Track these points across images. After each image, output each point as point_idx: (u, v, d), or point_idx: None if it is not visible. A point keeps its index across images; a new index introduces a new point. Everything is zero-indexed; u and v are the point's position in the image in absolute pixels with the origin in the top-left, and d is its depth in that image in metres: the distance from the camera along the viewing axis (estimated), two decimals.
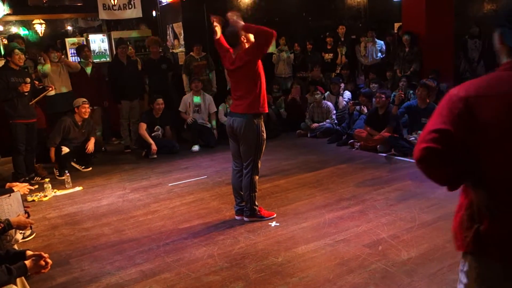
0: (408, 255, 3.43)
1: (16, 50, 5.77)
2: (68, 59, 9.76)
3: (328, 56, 9.75)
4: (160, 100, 7.28)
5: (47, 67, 6.82)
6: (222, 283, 3.22)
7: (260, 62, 4.00)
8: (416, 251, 3.47)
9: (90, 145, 6.54)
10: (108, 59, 9.97)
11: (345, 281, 3.12)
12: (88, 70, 7.73)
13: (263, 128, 4.11)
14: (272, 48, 10.08)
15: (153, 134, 7.27)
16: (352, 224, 4.07)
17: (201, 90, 7.76)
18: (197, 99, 7.73)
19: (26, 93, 5.86)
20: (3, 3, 7.58)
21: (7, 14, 8.05)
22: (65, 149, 6.32)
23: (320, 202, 4.67)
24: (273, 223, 4.21)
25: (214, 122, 7.88)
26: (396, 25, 9.99)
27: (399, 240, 3.70)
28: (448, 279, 3.03)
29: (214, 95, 8.25)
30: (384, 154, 6.41)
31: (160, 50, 8.65)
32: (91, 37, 10.18)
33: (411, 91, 7.62)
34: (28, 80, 5.87)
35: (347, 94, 8.34)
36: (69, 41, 10.71)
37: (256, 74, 3.99)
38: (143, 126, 7.15)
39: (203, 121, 7.76)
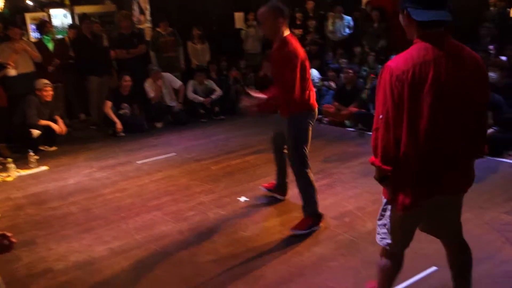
0: (373, 226, 3.49)
1: None
2: (29, 36, 9.40)
3: (298, 32, 9.70)
4: (127, 78, 7.12)
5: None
6: (191, 258, 3.25)
7: None
8: None
9: (61, 125, 6.38)
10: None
11: (313, 252, 3.20)
12: (50, 46, 7.47)
13: None
14: (240, 24, 9.98)
15: (120, 112, 7.13)
16: (320, 198, 4.10)
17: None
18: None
19: None
20: None
21: None
22: (36, 132, 6.08)
23: (288, 177, 4.71)
24: (242, 198, 4.25)
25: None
26: (364, 0, 10.00)
27: (364, 211, 3.80)
28: (412, 247, 3.13)
29: (182, 72, 8.14)
30: (351, 129, 6.50)
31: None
32: (53, 12, 9.80)
33: (379, 66, 7.70)
34: None
35: (315, 73, 8.32)
36: (30, 16, 10.29)
37: None
38: (108, 104, 7.00)
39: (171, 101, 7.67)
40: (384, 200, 2.22)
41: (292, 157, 3.56)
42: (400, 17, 2.06)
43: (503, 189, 4.05)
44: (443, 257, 2.47)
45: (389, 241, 2.23)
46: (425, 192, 2.03)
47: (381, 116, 1.95)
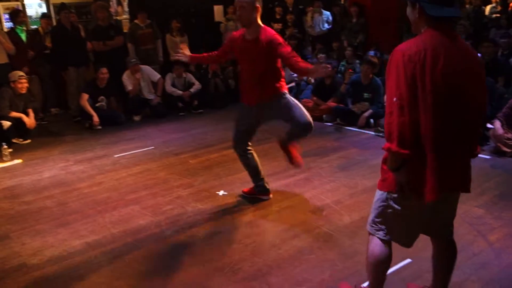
0: (350, 219, 3.58)
1: None
2: (3, 26, 9.15)
3: (277, 26, 9.70)
4: (104, 70, 7.00)
5: None
6: (169, 252, 3.24)
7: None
8: (358, 215, 3.63)
9: (31, 119, 6.25)
10: None
11: (291, 246, 3.23)
12: (23, 36, 7.29)
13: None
14: (220, 17, 9.93)
15: (97, 105, 7.02)
16: (298, 191, 4.18)
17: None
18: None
19: None
20: None
21: None
22: (6, 123, 5.95)
23: (267, 171, 4.69)
24: (221, 192, 4.24)
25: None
26: None
27: (342, 205, 3.85)
28: None
29: (161, 65, 8.06)
30: (330, 124, 6.56)
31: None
32: (27, 1, 9.55)
33: (357, 61, 7.77)
34: None
35: None
36: (3, 5, 10.01)
37: None
38: (85, 97, 6.88)
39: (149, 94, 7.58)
40: (383, 194, 2.16)
41: (305, 118, 3.62)
42: (408, 11, 2.06)
43: (476, 183, 4.11)
44: (418, 249, 2.52)
45: (392, 235, 2.19)
46: (443, 180, 1.97)
47: (395, 99, 1.90)
